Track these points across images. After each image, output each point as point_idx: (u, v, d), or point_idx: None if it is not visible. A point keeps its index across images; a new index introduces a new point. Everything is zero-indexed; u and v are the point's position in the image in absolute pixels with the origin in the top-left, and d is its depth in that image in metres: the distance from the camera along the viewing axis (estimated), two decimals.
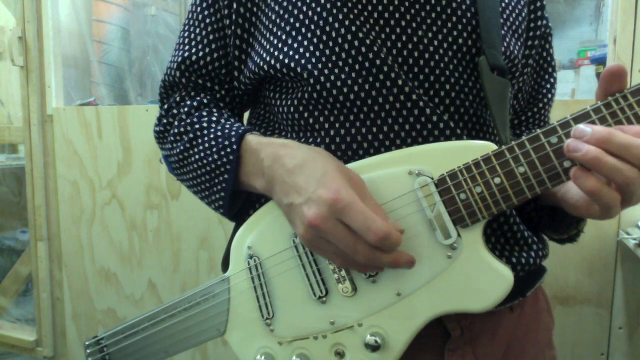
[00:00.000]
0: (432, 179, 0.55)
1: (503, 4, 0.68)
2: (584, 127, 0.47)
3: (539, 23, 0.73)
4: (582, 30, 1.91)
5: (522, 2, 0.71)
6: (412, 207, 0.56)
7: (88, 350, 0.70)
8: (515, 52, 0.68)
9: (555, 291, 1.43)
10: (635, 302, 1.40)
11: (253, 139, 0.63)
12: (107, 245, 1.90)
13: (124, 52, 2.40)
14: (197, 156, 0.66)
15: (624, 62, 1.36)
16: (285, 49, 0.63)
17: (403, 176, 0.56)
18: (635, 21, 1.35)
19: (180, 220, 1.79)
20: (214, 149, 0.64)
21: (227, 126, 0.65)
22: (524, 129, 0.77)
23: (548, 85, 0.77)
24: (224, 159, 0.63)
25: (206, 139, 0.65)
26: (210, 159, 0.64)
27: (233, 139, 0.63)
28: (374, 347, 0.57)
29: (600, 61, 1.59)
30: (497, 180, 0.53)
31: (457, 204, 0.54)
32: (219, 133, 0.65)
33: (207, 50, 0.69)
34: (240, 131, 0.63)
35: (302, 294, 0.60)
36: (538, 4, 0.73)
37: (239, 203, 0.69)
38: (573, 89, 1.68)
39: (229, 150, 0.63)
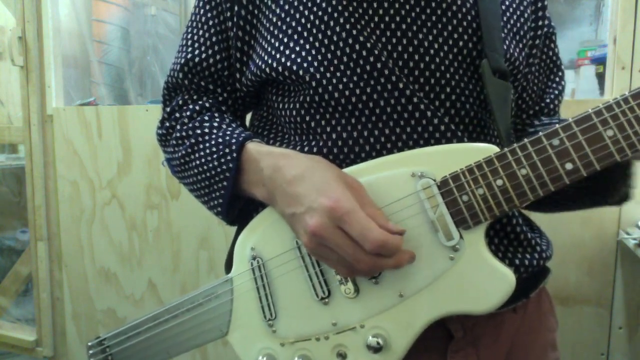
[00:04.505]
0: (434, 180, 0.55)
1: (504, 6, 0.68)
2: None
3: (541, 23, 0.73)
4: (582, 30, 1.91)
5: (524, 3, 0.71)
6: (414, 208, 0.56)
7: (90, 351, 0.70)
8: (516, 54, 0.67)
9: (555, 291, 1.42)
10: (635, 302, 1.40)
11: (253, 148, 0.63)
12: (107, 245, 1.90)
13: (124, 52, 2.40)
14: (197, 162, 0.66)
15: (624, 62, 1.36)
16: (287, 51, 0.63)
17: (406, 178, 0.56)
18: (635, 21, 1.35)
19: (180, 220, 1.79)
20: (214, 156, 0.64)
21: (229, 132, 0.66)
22: (537, 122, 0.76)
23: (554, 84, 0.77)
24: (224, 167, 0.63)
25: (207, 144, 0.66)
26: (210, 165, 0.65)
27: (233, 147, 0.63)
28: (376, 349, 0.57)
29: (600, 61, 1.58)
30: (499, 182, 0.53)
31: (460, 206, 0.54)
32: (220, 140, 0.65)
33: (209, 52, 0.70)
34: (240, 139, 0.64)
35: (304, 295, 0.60)
36: (539, 4, 0.73)
37: (238, 208, 0.69)
38: (573, 89, 1.67)
39: (229, 157, 0.63)
